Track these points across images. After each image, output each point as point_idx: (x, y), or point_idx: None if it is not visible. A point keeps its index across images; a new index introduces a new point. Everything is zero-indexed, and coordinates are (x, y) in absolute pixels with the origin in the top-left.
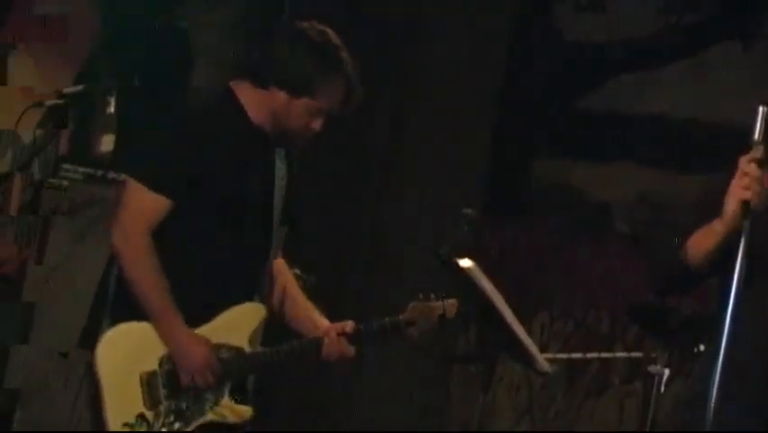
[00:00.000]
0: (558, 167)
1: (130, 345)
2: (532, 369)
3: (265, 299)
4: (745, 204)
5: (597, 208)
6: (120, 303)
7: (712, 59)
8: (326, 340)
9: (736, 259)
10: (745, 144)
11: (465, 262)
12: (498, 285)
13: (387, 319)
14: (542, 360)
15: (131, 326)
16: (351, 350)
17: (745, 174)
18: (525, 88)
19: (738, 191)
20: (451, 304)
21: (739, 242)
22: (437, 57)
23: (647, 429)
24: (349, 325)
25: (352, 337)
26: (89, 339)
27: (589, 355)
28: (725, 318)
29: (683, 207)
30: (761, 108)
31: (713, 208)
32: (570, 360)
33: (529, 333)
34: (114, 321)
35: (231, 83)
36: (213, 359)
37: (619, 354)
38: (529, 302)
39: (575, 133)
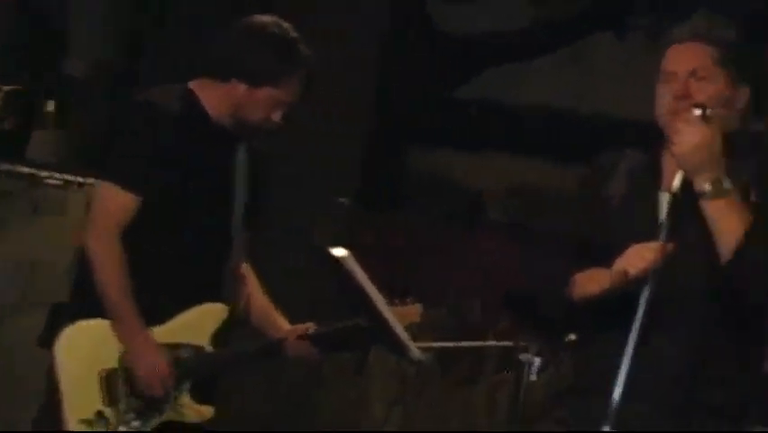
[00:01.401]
0: (433, 157)
1: (90, 341)
2: (404, 357)
3: (232, 301)
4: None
5: (471, 198)
6: (81, 300)
7: (587, 49)
8: (288, 342)
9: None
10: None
11: (338, 251)
12: (371, 274)
13: (351, 322)
14: (414, 348)
15: (91, 323)
16: (312, 352)
17: (645, 256)
18: (400, 79)
19: (628, 262)
20: (416, 308)
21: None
22: (312, 46)
23: (519, 418)
24: (309, 327)
25: (312, 340)
26: (48, 337)
27: (462, 344)
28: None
29: (557, 196)
30: (662, 196)
31: (590, 202)
32: (442, 349)
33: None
34: (75, 318)
35: (189, 82)
36: (164, 369)
37: (491, 343)
38: (403, 291)
39: (450, 123)
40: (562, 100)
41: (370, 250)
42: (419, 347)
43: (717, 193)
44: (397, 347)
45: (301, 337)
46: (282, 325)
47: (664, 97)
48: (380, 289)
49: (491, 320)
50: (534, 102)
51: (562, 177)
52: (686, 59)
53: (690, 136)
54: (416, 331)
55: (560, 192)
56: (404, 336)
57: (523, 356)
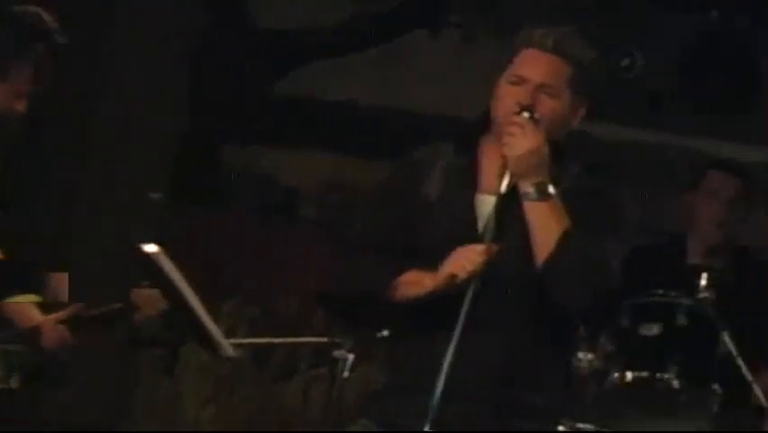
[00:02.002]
0: (248, 152)
1: None
2: (217, 354)
3: None
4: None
5: (285, 194)
6: None
7: (402, 47)
8: (45, 328)
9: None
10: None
11: (150, 247)
12: (186, 270)
13: (107, 307)
14: (226, 345)
15: None
16: (69, 337)
17: (473, 258)
18: (216, 74)
19: (457, 265)
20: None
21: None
22: (125, 40)
23: (333, 414)
24: (65, 312)
25: (71, 325)
26: None
27: (276, 340)
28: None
29: (371, 193)
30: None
31: (395, 197)
32: (256, 345)
33: (217, 318)
34: None
35: None
36: None
37: (304, 339)
38: (218, 287)
39: (265, 118)
40: (378, 96)
41: (184, 246)
42: (232, 344)
43: (541, 196)
44: (210, 344)
45: (62, 322)
46: (33, 314)
47: (507, 99)
48: (195, 285)
49: (306, 316)
50: (349, 98)
51: (378, 173)
52: (541, 70)
53: (523, 140)
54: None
55: (375, 188)
56: (216, 332)
57: (337, 353)
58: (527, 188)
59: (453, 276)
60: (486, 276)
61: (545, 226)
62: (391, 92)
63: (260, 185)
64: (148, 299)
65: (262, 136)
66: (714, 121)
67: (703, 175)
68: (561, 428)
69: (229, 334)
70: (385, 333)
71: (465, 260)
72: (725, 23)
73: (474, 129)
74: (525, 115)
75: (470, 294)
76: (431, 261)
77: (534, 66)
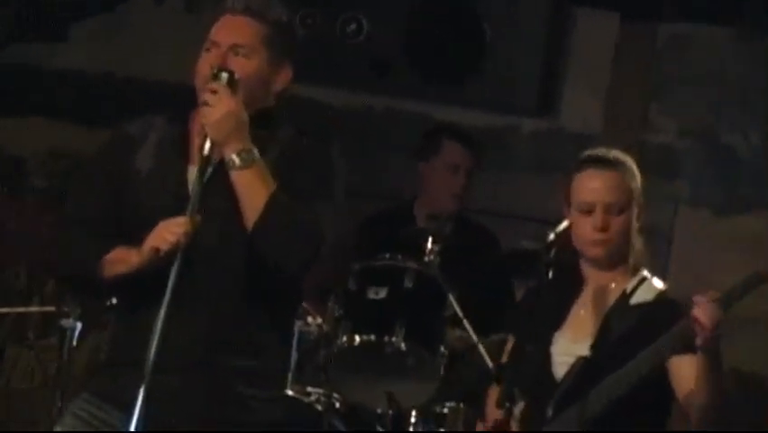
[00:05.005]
0: None
1: None
2: None
3: None
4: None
5: (11, 163)
6: None
7: (128, 14)
8: None
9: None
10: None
11: None
12: None
13: None
14: None
15: None
16: None
17: (174, 230)
18: None
19: (159, 239)
20: None
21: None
22: None
23: (61, 383)
24: None
25: None
26: None
27: (2, 310)
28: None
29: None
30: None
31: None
32: None
33: None
34: None
35: None
36: None
37: (33, 309)
38: None
39: None
40: (104, 64)
41: None
42: None
43: (245, 164)
44: None
45: None
46: None
47: (202, 67)
48: None
49: (37, 285)
50: (75, 66)
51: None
52: (231, 32)
53: (219, 105)
54: None
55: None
56: None
57: (65, 322)
58: (232, 156)
59: (156, 249)
60: (193, 246)
61: (253, 192)
62: (117, 60)
63: None
64: None
65: None
66: (440, 86)
67: (438, 145)
68: (289, 392)
69: None
70: (114, 301)
71: (167, 232)
72: None
73: (186, 100)
74: (224, 77)
75: (176, 265)
76: (143, 233)
77: (225, 30)
